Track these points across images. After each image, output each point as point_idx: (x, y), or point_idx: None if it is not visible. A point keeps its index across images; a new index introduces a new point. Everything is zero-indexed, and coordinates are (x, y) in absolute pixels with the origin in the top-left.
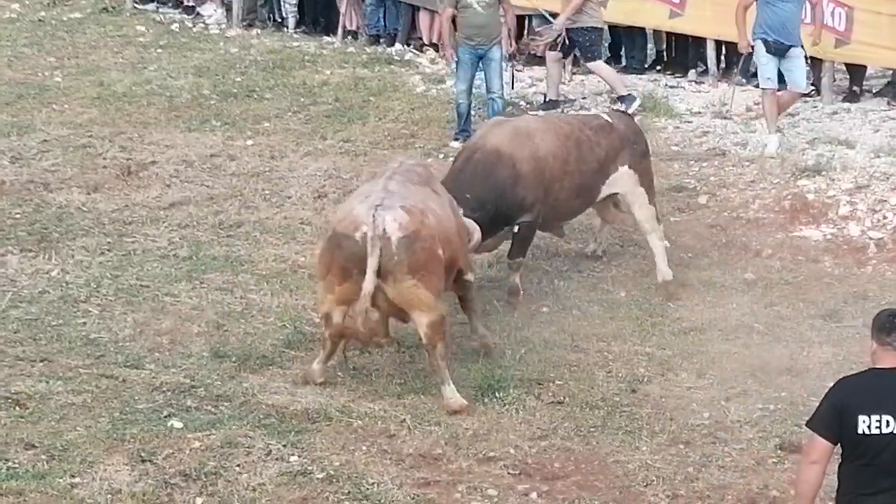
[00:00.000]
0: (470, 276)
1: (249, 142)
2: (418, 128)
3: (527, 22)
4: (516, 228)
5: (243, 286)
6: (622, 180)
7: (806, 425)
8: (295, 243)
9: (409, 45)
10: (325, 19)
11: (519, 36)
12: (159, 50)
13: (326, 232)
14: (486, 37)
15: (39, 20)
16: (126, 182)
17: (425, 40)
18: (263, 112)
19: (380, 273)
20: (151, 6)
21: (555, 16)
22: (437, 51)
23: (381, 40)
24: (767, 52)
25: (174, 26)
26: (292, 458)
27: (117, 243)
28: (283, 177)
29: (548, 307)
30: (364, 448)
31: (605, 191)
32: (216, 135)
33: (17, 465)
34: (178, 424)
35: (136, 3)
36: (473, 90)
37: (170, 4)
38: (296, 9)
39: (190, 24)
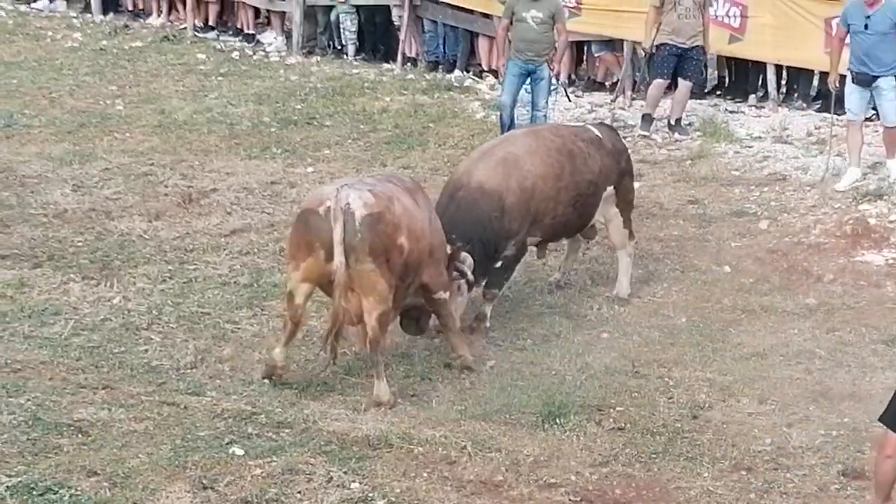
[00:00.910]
0: (442, 295)
1: (310, 169)
2: None
3: (585, 48)
4: (498, 264)
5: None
6: (607, 199)
7: (879, 420)
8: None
9: (468, 71)
10: (384, 46)
11: (579, 61)
12: (220, 78)
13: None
14: (536, 53)
15: (101, 49)
16: (187, 210)
17: (484, 66)
18: (323, 139)
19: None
20: (212, 34)
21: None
22: (495, 77)
23: (440, 67)
24: (852, 82)
25: (234, 54)
26: (353, 485)
27: (178, 271)
28: None
29: (608, 333)
30: (425, 475)
31: (602, 208)
32: (276, 162)
33: (79, 493)
34: (239, 451)
35: (197, 31)
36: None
37: (230, 32)
38: (355, 36)
39: (250, 52)
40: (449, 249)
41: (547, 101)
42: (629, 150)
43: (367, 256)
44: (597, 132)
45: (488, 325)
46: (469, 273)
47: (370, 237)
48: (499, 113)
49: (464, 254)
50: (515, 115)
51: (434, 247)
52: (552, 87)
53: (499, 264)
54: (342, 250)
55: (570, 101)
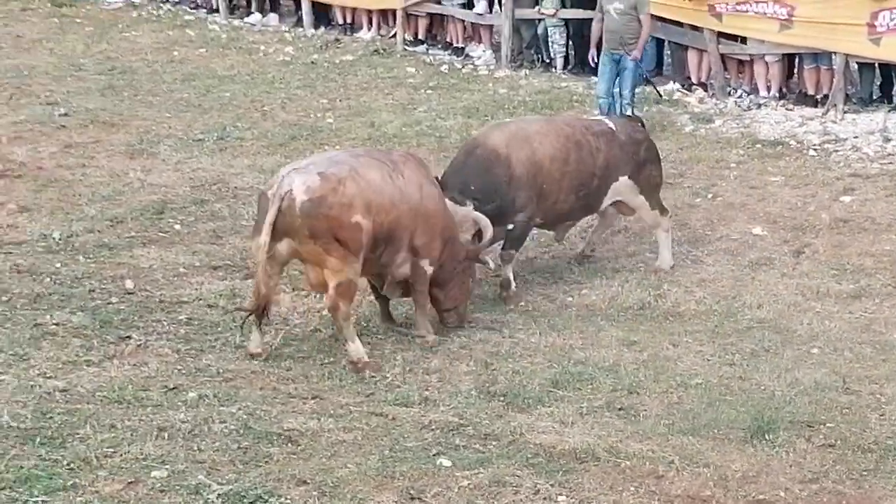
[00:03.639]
0: (425, 265)
1: None
2: (686, 167)
3: (797, 60)
4: (510, 226)
5: (511, 325)
6: (623, 190)
7: None
8: (563, 283)
9: (676, 84)
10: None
11: (790, 74)
12: (429, 91)
13: None
14: (619, 42)
15: (312, 63)
16: None
17: (693, 80)
18: None
19: (284, 232)
20: (421, 48)
21: None
22: (705, 90)
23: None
24: None
25: (443, 67)
26: (560, 498)
27: None
28: None
29: (818, 348)
30: (632, 489)
31: (608, 199)
32: None
33: (288, 501)
34: (446, 462)
35: (407, 45)
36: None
37: (439, 46)
38: (564, 49)
39: (459, 66)
40: (469, 205)
41: (632, 90)
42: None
43: (307, 239)
44: (611, 125)
45: (514, 287)
46: (489, 230)
47: (308, 221)
48: (597, 103)
49: (483, 219)
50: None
51: (425, 214)
52: (636, 76)
53: (511, 227)
54: (269, 230)
55: (660, 96)
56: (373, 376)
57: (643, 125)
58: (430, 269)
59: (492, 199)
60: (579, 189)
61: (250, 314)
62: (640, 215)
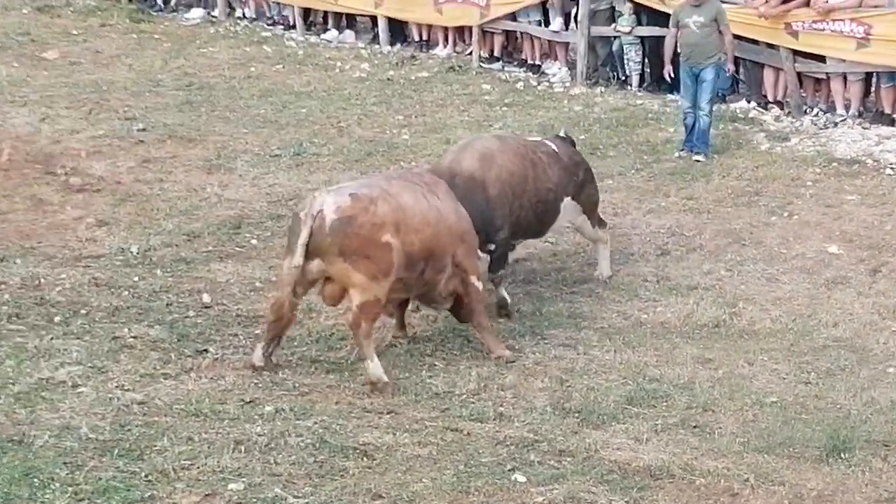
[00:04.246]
0: (475, 282)
1: None
2: (762, 185)
3: (874, 79)
4: (492, 247)
5: (585, 342)
6: (568, 210)
7: None
8: (637, 300)
9: (751, 102)
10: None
11: (867, 93)
12: (504, 108)
13: None
14: (699, 55)
15: (388, 79)
16: None
17: (769, 98)
18: (606, 169)
19: (315, 252)
20: (497, 65)
21: None
22: (781, 108)
23: (726, 97)
24: None
25: (519, 84)
26: None
27: None
28: (626, 234)
29: (895, 368)
30: None
31: (560, 219)
32: None
33: None
34: (521, 478)
35: (483, 62)
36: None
37: (515, 63)
38: (640, 66)
39: (535, 83)
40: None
41: (710, 103)
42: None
43: (336, 257)
44: (553, 146)
45: (510, 301)
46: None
47: (339, 240)
48: (683, 117)
49: None
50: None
51: (462, 233)
52: (715, 88)
53: (492, 247)
54: (302, 251)
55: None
56: (446, 390)
57: (574, 145)
58: (480, 286)
59: (478, 226)
60: (537, 206)
61: (269, 334)
62: (582, 234)
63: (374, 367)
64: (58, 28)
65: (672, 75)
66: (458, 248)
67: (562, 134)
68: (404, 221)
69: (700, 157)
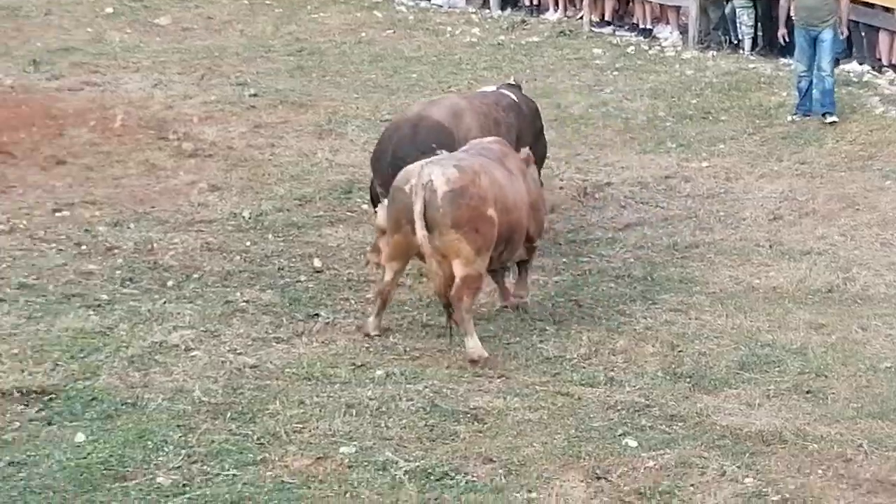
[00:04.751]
0: (537, 242)
1: (704, 163)
2: (876, 149)
3: None
4: None
5: (697, 307)
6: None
7: None
8: (749, 265)
9: (864, 65)
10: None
11: None
12: (615, 72)
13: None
14: (816, 19)
15: (499, 44)
16: (582, 203)
17: (884, 61)
18: (718, 134)
19: (427, 224)
20: (608, 29)
21: None
22: (895, 72)
23: (839, 61)
24: None
25: (630, 49)
26: (747, 480)
27: (573, 263)
28: (738, 198)
29: None
30: (819, 472)
31: None
32: (671, 156)
33: (475, 479)
34: (632, 443)
35: (593, 26)
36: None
37: (626, 27)
38: (752, 30)
39: (646, 47)
40: None
41: (830, 64)
42: None
43: (449, 229)
44: (514, 97)
45: None
46: None
47: (451, 211)
48: (797, 81)
49: None
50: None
51: (533, 205)
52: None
53: None
54: (423, 224)
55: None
56: (557, 355)
57: (521, 90)
58: (539, 243)
59: None
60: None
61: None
62: None
63: (475, 343)
64: None
65: (787, 38)
66: (532, 223)
67: (511, 81)
68: (500, 198)
69: (833, 118)
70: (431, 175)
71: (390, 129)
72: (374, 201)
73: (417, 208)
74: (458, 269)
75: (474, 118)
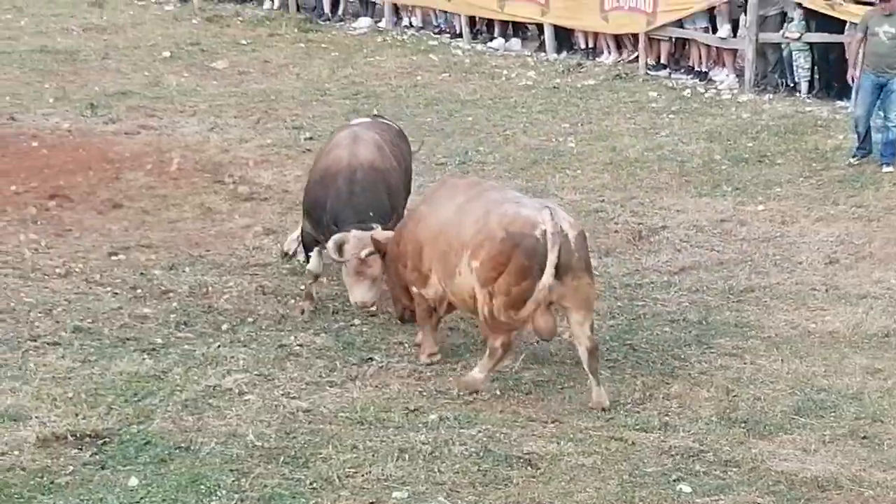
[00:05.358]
0: None
1: (760, 207)
2: None
3: None
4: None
5: (752, 352)
6: None
7: None
8: (805, 309)
9: None
10: (838, 84)
11: None
12: (671, 116)
13: (487, 237)
14: (888, 66)
15: (554, 87)
16: (636, 247)
17: None
18: (774, 177)
19: (560, 271)
20: (664, 72)
21: None
22: None
23: None
24: None
25: (686, 92)
26: None
27: (627, 307)
28: (794, 242)
29: None
30: None
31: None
32: (727, 200)
33: None
34: (686, 489)
35: (649, 69)
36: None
37: (682, 70)
38: (809, 73)
39: (702, 90)
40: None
41: None
42: None
43: (583, 272)
44: (394, 125)
45: None
46: None
47: (584, 254)
48: (854, 125)
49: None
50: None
51: None
52: None
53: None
54: (553, 271)
55: None
56: (613, 401)
57: None
58: None
59: (389, 216)
60: (408, 186)
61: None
62: None
63: (604, 391)
64: (227, 38)
65: (854, 79)
66: None
67: (375, 112)
68: None
69: (890, 168)
70: (561, 220)
71: (325, 177)
72: (307, 247)
73: (552, 256)
74: (589, 317)
75: (385, 147)
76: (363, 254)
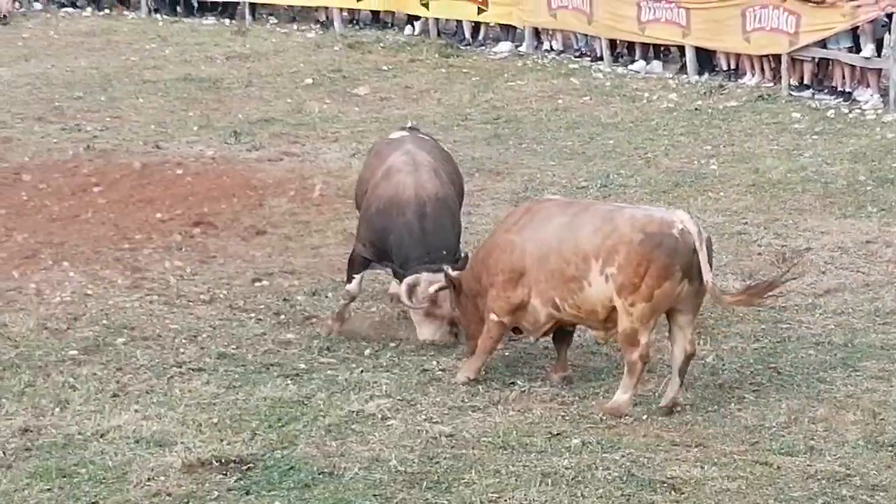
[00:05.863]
0: None
1: None
2: None
3: None
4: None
5: None
6: None
7: None
8: None
9: None
10: None
11: None
12: (814, 136)
13: (621, 241)
14: None
15: (696, 109)
16: (779, 269)
17: None
18: None
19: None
20: (807, 93)
21: None
22: None
23: None
24: None
25: (829, 112)
26: None
27: (772, 330)
28: None
29: None
30: None
31: None
32: (872, 221)
33: None
34: None
35: (792, 90)
36: None
37: (825, 91)
38: None
39: (846, 110)
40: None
41: None
42: None
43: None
44: (432, 139)
45: None
46: None
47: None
48: None
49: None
50: None
51: None
52: None
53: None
54: (709, 268)
55: None
56: (755, 423)
57: None
58: None
59: (457, 250)
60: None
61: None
62: None
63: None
64: (368, 64)
65: None
66: None
67: (411, 125)
68: None
69: None
70: (697, 224)
71: (390, 207)
72: (356, 270)
73: (703, 254)
74: (694, 320)
75: (443, 166)
76: (433, 289)
